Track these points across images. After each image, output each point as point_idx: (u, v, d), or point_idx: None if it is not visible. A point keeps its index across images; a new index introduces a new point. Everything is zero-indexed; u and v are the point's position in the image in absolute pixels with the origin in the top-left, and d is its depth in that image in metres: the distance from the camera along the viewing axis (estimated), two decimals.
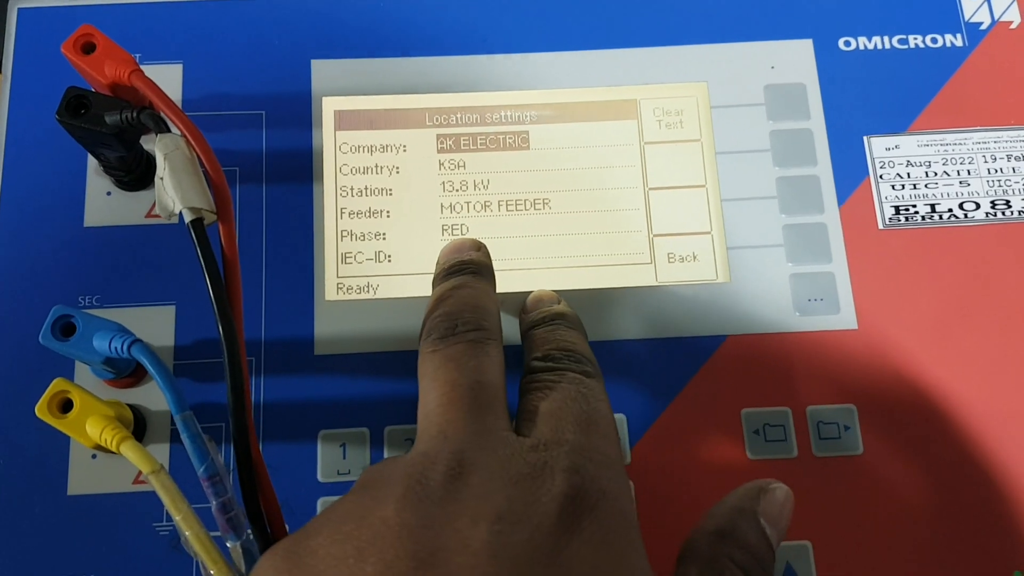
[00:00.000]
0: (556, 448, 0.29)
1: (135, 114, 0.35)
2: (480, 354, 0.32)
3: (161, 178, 0.33)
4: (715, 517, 0.32)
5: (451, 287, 0.35)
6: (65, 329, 0.34)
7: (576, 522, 0.27)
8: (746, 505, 0.32)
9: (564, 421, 0.30)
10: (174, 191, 0.32)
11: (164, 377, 0.32)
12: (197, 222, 0.32)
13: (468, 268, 0.36)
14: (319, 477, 0.38)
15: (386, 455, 0.38)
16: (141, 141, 0.40)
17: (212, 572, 0.31)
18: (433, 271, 0.38)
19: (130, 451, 0.32)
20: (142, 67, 0.40)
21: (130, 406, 0.38)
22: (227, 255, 0.33)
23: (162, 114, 0.34)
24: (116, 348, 0.33)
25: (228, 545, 0.32)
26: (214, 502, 0.32)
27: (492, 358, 0.32)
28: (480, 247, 0.38)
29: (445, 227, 0.41)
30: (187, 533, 0.31)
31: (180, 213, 0.33)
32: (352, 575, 0.25)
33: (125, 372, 0.37)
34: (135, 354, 0.32)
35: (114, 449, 0.32)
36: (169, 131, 0.34)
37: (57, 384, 0.34)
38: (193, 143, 0.33)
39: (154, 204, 0.40)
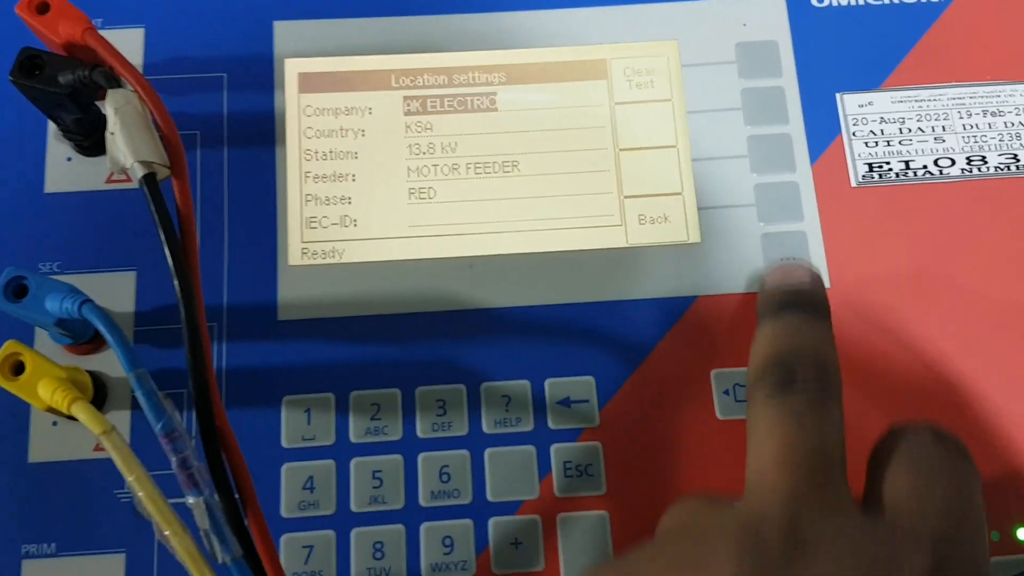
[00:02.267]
0: (917, 541, 0.26)
1: (88, 72, 0.34)
2: (822, 414, 0.30)
3: (112, 133, 0.32)
4: None
5: (788, 329, 0.33)
6: (17, 291, 0.33)
7: None
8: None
9: (928, 505, 0.27)
10: (125, 145, 0.32)
11: (115, 335, 0.31)
12: (150, 176, 0.32)
13: (805, 305, 0.34)
14: (283, 443, 0.37)
15: (351, 421, 0.38)
16: (99, 106, 0.39)
17: (166, 533, 0.30)
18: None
19: (81, 411, 0.31)
20: (103, 32, 0.40)
21: (90, 373, 0.37)
22: (181, 210, 0.32)
23: (115, 72, 0.33)
24: (67, 308, 0.32)
25: (190, 501, 0.31)
26: (173, 458, 0.31)
27: (835, 420, 0.30)
28: (814, 275, 0.35)
29: (412, 190, 0.40)
30: (140, 494, 0.30)
31: (132, 168, 0.32)
32: None
33: (83, 338, 0.37)
34: (85, 313, 0.32)
35: (65, 410, 0.32)
36: (121, 87, 0.34)
37: (9, 346, 0.33)
38: (145, 97, 0.33)
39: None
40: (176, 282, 0.31)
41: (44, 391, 0.32)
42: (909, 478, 0.28)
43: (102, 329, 0.31)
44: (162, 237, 0.31)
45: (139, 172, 0.31)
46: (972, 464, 0.30)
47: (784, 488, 0.27)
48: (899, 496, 0.28)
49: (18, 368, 0.33)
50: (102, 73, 0.34)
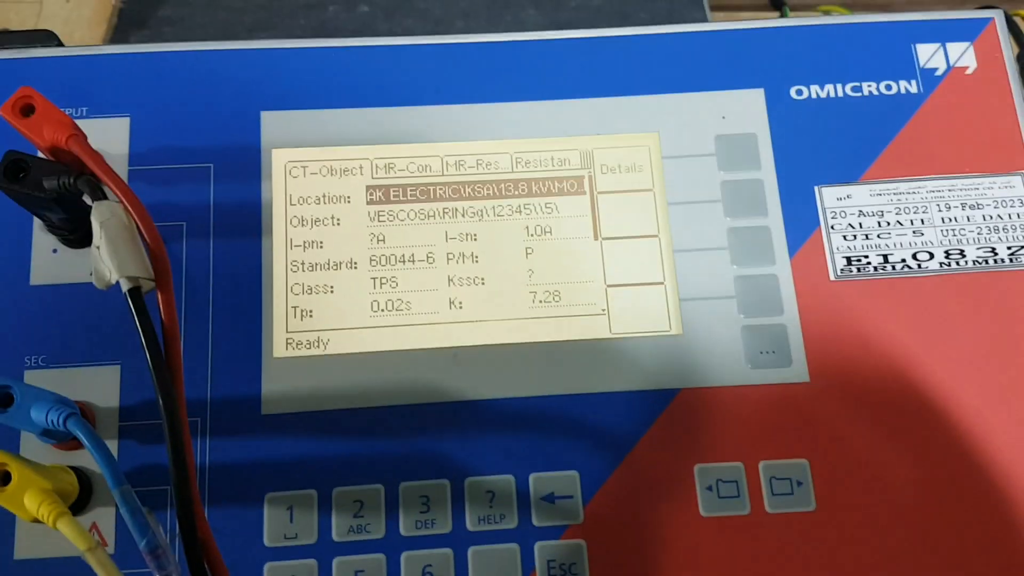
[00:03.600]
0: None
1: (72, 180, 0.34)
2: None
3: (98, 247, 0.33)
4: None
5: None
6: (3, 400, 0.33)
7: None
8: None
9: None
10: (110, 260, 0.32)
11: (100, 452, 0.31)
12: (135, 291, 0.32)
13: None
14: (265, 542, 0.37)
15: (334, 518, 0.38)
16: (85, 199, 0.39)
17: None
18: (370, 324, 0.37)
19: (66, 527, 0.31)
20: (88, 120, 0.40)
21: (76, 469, 0.37)
22: (166, 324, 0.33)
23: (100, 181, 0.33)
24: (52, 421, 0.32)
25: None
26: (157, 574, 0.31)
27: None
28: None
29: (380, 279, 0.41)
30: None
31: (117, 283, 0.32)
32: None
33: (68, 438, 0.37)
34: (71, 428, 0.32)
35: (51, 525, 0.32)
36: (106, 197, 0.34)
37: None
38: (131, 210, 0.33)
39: None
40: (159, 399, 0.31)
41: (30, 503, 0.32)
42: None
43: (88, 446, 0.31)
44: (147, 354, 0.31)
45: (124, 287, 0.32)
46: None
47: None
48: None
49: (5, 478, 0.33)
50: (87, 182, 0.34)
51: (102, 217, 0.33)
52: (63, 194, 0.35)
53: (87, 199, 0.34)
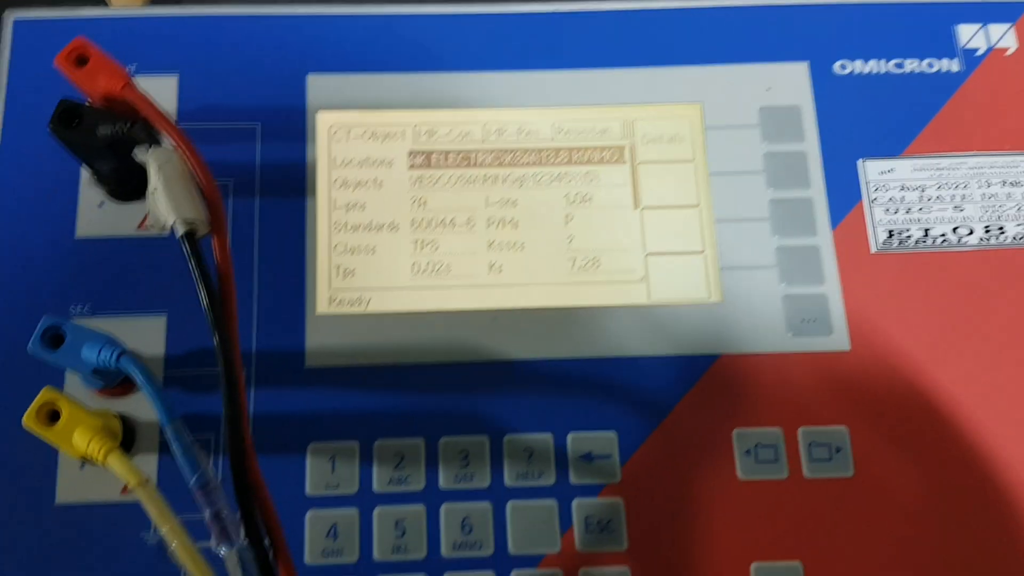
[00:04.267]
0: None
1: (127, 126, 0.35)
2: None
3: (154, 190, 0.33)
4: None
5: None
6: (54, 340, 0.34)
7: None
8: None
9: None
10: (167, 203, 0.33)
11: (153, 388, 0.32)
12: (190, 234, 0.32)
13: None
14: (307, 490, 0.38)
15: (375, 470, 0.38)
16: (134, 153, 0.40)
17: None
18: (411, 286, 0.37)
19: (116, 463, 0.32)
20: (137, 78, 0.40)
21: (119, 416, 0.38)
22: (221, 267, 0.33)
23: (155, 127, 0.34)
24: (104, 359, 0.33)
25: (222, 553, 0.31)
26: (207, 511, 0.32)
27: None
28: None
29: (422, 242, 0.41)
30: (174, 544, 0.31)
31: (173, 225, 0.32)
32: None
33: (115, 382, 0.37)
34: (123, 365, 0.32)
35: (100, 461, 0.32)
36: (160, 144, 0.34)
37: (45, 394, 0.33)
38: (187, 155, 0.33)
39: (146, 215, 0.40)
40: (216, 338, 0.31)
41: (80, 440, 0.33)
42: None
43: (140, 382, 0.32)
44: (202, 295, 0.31)
45: (180, 230, 0.32)
46: None
47: None
48: None
49: (54, 416, 0.33)
50: (142, 128, 0.34)
51: (159, 161, 0.33)
52: (116, 142, 0.35)
53: (137, 154, 0.34)
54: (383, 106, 0.43)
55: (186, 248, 0.32)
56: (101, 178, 0.40)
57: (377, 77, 0.43)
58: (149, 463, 0.38)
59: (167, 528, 0.31)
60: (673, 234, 0.41)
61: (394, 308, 0.40)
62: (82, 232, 0.40)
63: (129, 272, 0.40)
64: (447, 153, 0.42)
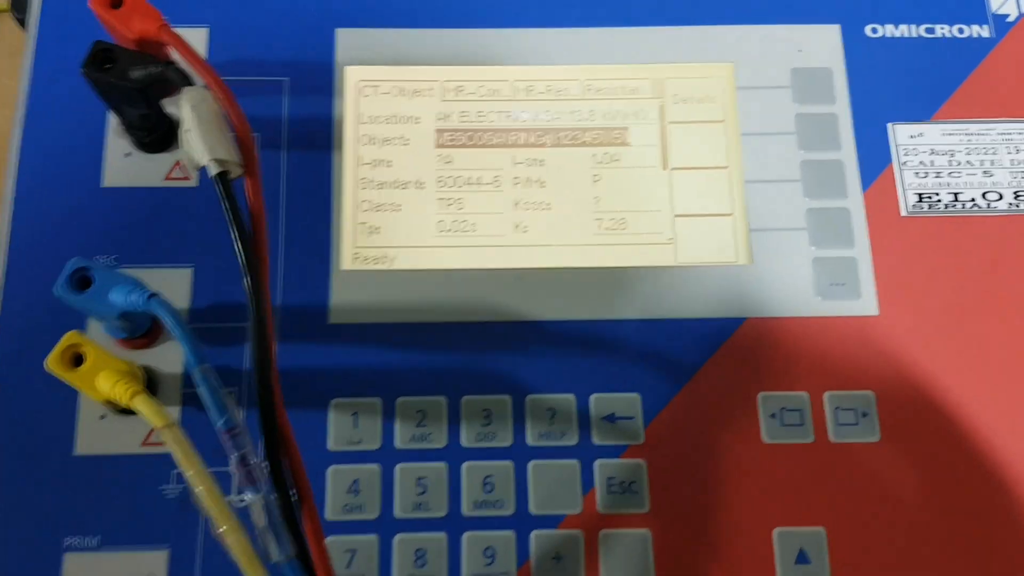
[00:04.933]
0: None
1: (162, 68, 0.34)
2: None
3: (188, 130, 0.33)
4: None
5: None
6: (81, 282, 0.34)
7: None
8: None
9: None
10: (201, 143, 0.32)
11: (183, 330, 0.31)
12: (223, 175, 0.32)
13: None
14: (329, 446, 0.37)
15: (397, 427, 0.38)
16: (162, 104, 0.39)
17: (223, 529, 0.30)
18: (436, 244, 0.37)
19: (143, 405, 0.31)
20: None
21: (142, 367, 0.37)
22: (253, 209, 0.33)
23: (193, 69, 0.34)
24: (134, 301, 0.32)
25: (247, 499, 0.31)
26: (233, 455, 0.31)
27: None
28: None
29: (447, 200, 0.41)
30: (199, 489, 0.31)
31: (207, 165, 0.32)
32: None
33: (139, 331, 0.37)
34: (153, 307, 0.32)
35: (126, 403, 0.32)
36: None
37: (69, 337, 0.33)
38: (221, 97, 0.33)
39: (174, 166, 0.40)
40: (247, 280, 0.31)
41: (104, 383, 0.33)
42: None
43: (170, 323, 0.31)
44: (234, 235, 0.31)
45: (213, 170, 0.32)
46: None
47: None
48: None
49: (77, 360, 0.33)
50: (176, 71, 0.34)
51: (193, 101, 0.33)
52: (150, 84, 0.35)
53: (168, 106, 0.34)
54: (411, 62, 0.42)
55: (219, 188, 0.32)
56: (130, 127, 0.40)
57: (406, 32, 0.43)
58: (172, 415, 0.37)
59: (192, 472, 0.31)
60: (702, 195, 0.41)
61: (419, 265, 0.40)
62: (109, 181, 0.40)
63: (156, 223, 0.40)
64: (475, 111, 0.42)
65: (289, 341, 0.39)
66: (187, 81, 0.34)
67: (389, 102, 0.42)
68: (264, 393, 0.31)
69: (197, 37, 0.42)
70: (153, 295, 0.32)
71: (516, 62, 0.42)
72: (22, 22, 0.44)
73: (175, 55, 0.35)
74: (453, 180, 0.41)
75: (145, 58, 0.35)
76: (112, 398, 0.33)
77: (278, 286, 0.39)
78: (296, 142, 0.41)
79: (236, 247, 0.31)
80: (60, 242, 0.39)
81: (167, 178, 0.40)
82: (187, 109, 0.33)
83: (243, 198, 0.33)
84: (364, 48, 0.42)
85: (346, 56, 0.42)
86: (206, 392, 0.31)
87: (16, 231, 0.39)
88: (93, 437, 0.37)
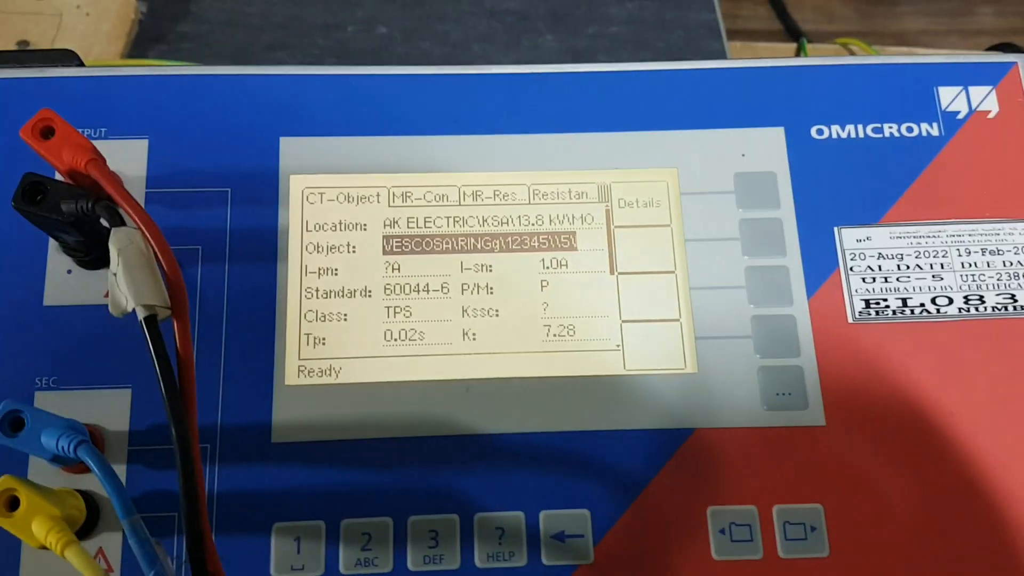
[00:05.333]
0: None
1: (90, 204, 0.34)
2: None
3: (115, 274, 0.32)
4: None
5: None
6: (14, 424, 0.33)
7: None
8: None
9: None
10: (127, 288, 0.32)
11: (111, 482, 0.31)
12: (151, 319, 0.32)
13: None
14: (272, 572, 0.37)
15: (342, 550, 0.37)
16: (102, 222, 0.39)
17: None
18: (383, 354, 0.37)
19: (74, 557, 0.31)
20: (108, 140, 0.40)
21: (84, 493, 0.37)
22: (181, 354, 0.32)
23: (119, 207, 0.33)
24: (63, 448, 0.32)
25: None
26: None
27: None
28: None
29: (395, 309, 0.40)
30: None
31: (133, 311, 0.32)
32: None
33: (77, 463, 0.36)
34: (82, 456, 0.32)
35: (59, 553, 0.31)
36: (124, 222, 0.34)
37: (4, 481, 0.33)
38: (149, 238, 0.33)
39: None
40: (173, 431, 0.31)
41: (38, 530, 0.32)
42: None
43: (98, 474, 0.31)
44: (161, 384, 0.31)
45: (140, 315, 0.31)
46: None
47: None
48: None
49: (13, 503, 0.33)
50: (105, 207, 0.34)
51: (120, 244, 0.32)
52: (80, 218, 0.35)
53: (104, 223, 0.34)
54: (357, 169, 0.42)
55: (146, 334, 0.31)
56: (67, 248, 0.39)
57: (351, 140, 0.42)
58: (113, 541, 0.37)
59: None
60: (649, 301, 0.41)
61: (365, 378, 0.40)
62: (50, 300, 0.40)
63: (96, 342, 0.39)
64: (422, 217, 0.42)
65: (230, 463, 0.38)
66: (117, 218, 0.34)
67: (335, 209, 0.42)
68: (195, 552, 0.30)
69: (137, 149, 0.42)
70: (82, 442, 0.32)
71: (463, 169, 0.42)
72: None
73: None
74: (400, 287, 0.41)
75: (76, 191, 0.35)
76: (46, 545, 0.32)
77: (219, 405, 0.39)
78: (239, 254, 0.41)
79: (163, 396, 0.31)
80: (2, 363, 0.39)
81: (106, 295, 0.40)
82: (114, 252, 0.32)
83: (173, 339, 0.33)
84: (309, 156, 0.42)
85: (291, 165, 0.42)
86: (135, 544, 0.31)
87: None
88: (37, 568, 0.37)
